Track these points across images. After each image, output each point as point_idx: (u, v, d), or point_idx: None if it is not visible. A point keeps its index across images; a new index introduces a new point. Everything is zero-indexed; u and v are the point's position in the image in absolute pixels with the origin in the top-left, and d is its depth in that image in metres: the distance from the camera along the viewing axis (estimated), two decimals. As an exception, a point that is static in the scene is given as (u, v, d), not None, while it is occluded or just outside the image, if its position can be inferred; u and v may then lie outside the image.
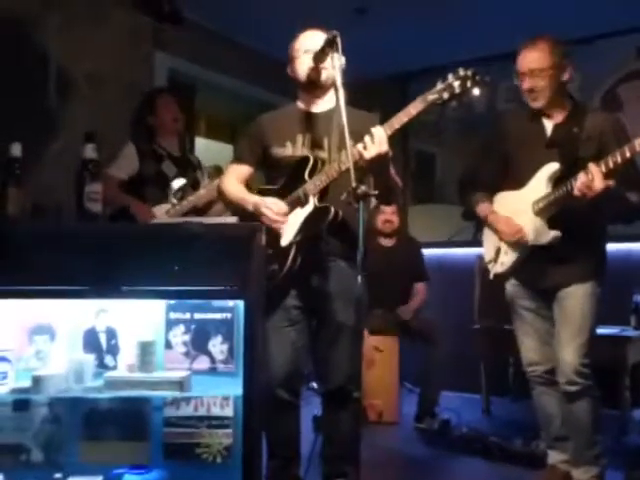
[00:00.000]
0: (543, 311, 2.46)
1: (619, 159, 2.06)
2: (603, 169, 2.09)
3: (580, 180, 2.12)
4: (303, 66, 2.26)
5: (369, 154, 2.00)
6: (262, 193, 2.30)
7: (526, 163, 2.40)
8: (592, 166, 2.10)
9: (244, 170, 2.40)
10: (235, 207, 2.35)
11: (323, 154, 2.26)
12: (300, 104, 2.38)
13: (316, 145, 2.28)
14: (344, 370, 2.22)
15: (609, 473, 2.46)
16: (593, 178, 2.08)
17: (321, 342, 2.31)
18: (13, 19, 2.96)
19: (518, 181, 2.43)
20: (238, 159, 2.43)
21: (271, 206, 2.20)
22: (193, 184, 3.06)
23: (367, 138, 2.00)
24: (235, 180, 2.38)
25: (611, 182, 2.09)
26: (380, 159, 2.02)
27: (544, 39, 2.33)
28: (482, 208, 2.51)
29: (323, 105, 2.33)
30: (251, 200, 2.26)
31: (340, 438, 2.29)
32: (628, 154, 2.05)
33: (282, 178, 2.29)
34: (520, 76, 2.35)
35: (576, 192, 2.14)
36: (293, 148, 2.29)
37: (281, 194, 2.26)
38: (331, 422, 2.36)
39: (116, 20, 3.46)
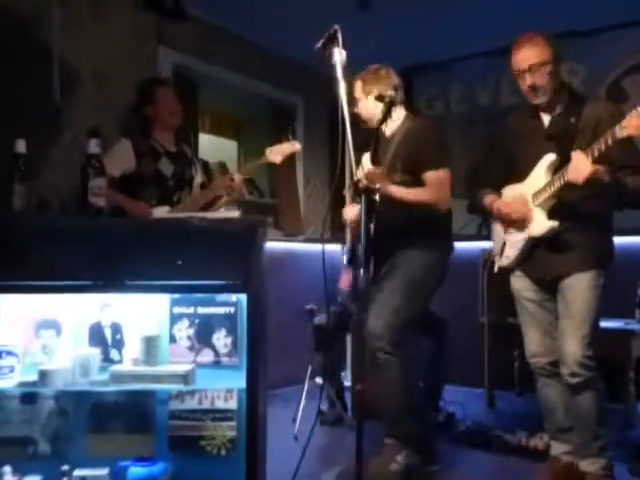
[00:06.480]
0: (547, 303, 2.47)
1: (603, 147, 2.07)
2: (589, 157, 2.10)
3: (569, 167, 2.15)
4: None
5: None
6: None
7: (527, 158, 2.41)
8: (577, 153, 2.13)
9: None
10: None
11: None
12: None
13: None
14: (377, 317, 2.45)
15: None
16: (578, 164, 2.11)
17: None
18: (17, 15, 2.97)
19: (521, 176, 2.44)
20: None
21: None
22: (189, 180, 3.04)
23: None
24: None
25: (599, 167, 2.11)
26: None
27: (537, 34, 2.30)
28: (488, 199, 2.54)
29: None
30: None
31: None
32: (610, 141, 2.05)
33: None
34: (519, 74, 2.33)
35: (569, 177, 2.16)
36: None
37: None
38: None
39: (120, 16, 3.46)
